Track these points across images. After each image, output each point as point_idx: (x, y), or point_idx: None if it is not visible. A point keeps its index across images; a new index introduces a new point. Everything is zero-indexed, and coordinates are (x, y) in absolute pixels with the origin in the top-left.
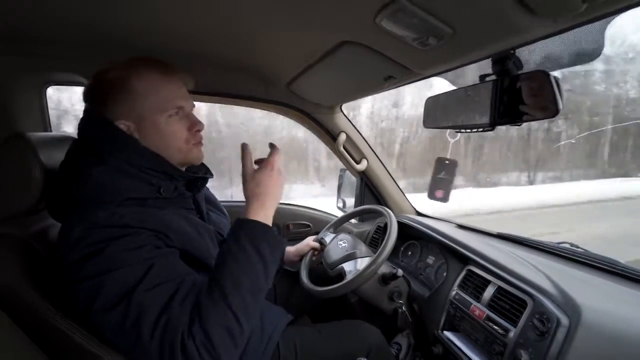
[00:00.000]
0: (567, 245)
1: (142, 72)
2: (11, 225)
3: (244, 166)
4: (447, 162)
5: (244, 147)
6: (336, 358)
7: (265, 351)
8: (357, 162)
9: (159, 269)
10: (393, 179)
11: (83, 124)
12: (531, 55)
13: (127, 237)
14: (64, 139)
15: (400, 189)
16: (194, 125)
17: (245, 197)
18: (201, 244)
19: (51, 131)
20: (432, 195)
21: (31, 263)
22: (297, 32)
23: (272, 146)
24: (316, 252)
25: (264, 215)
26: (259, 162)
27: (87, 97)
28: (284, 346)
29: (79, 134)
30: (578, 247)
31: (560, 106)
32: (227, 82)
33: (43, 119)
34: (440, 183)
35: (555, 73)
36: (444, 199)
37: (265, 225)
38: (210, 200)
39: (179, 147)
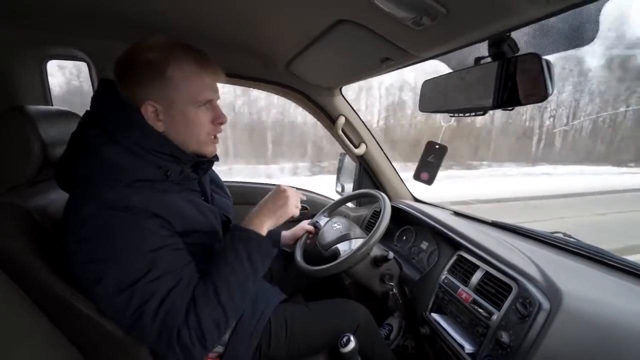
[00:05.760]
0: (561, 235)
1: (182, 60)
2: (12, 196)
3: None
4: (437, 146)
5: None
6: (324, 333)
7: (257, 325)
8: (356, 146)
9: (162, 262)
10: (392, 164)
11: (98, 99)
12: (527, 39)
13: (134, 224)
14: (64, 113)
15: (398, 174)
16: (218, 118)
17: (260, 205)
18: (204, 224)
19: (52, 105)
20: (417, 177)
21: (32, 231)
22: (293, 9)
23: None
24: (311, 235)
25: (260, 225)
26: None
27: (118, 74)
28: (275, 321)
29: (92, 107)
30: (571, 237)
31: (550, 91)
32: (228, 61)
33: (44, 93)
34: (428, 166)
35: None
36: (429, 181)
37: (260, 236)
38: (215, 182)
39: (198, 138)
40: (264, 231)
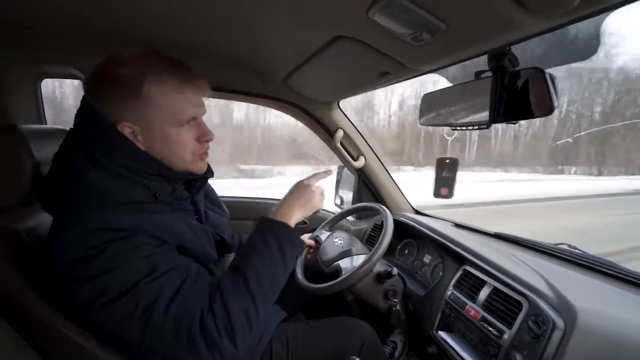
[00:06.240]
0: (565, 247)
1: (161, 76)
2: (2, 216)
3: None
4: (447, 161)
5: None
6: (327, 353)
7: (257, 346)
8: (355, 159)
9: (162, 261)
10: (391, 176)
11: (80, 118)
12: (527, 53)
13: (123, 239)
14: (58, 131)
15: (398, 186)
16: (204, 136)
17: (284, 199)
18: (197, 245)
19: (46, 124)
20: (437, 194)
21: (21, 255)
22: (291, 25)
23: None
24: (311, 250)
25: (289, 217)
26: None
27: (90, 89)
28: (276, 342)
29: (74, 124)
30: (576, 249)
31: (556, 104)
32: (225, 77)
33: (38, 112)
34: (444, 181)
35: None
36: (449, 195)
37: (288, 226)
38: (210, 198)
39: (183, 158)
40: (291, 223)
